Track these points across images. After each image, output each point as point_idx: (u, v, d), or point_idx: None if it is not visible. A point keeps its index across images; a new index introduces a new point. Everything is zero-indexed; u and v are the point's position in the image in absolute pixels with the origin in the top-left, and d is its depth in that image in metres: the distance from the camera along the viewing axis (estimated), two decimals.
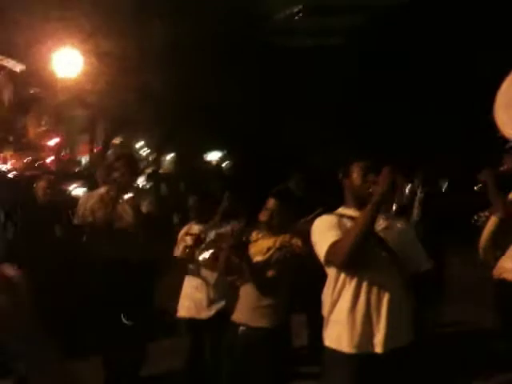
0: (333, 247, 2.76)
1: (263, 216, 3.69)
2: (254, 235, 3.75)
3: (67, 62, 19.88)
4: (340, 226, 2.88)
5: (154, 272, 4.92)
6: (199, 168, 26.26)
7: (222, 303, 4.16)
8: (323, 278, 3.03)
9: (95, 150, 27.29)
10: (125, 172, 4.72)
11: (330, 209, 3.13)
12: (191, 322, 4.25)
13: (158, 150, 31.64)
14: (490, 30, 16.28)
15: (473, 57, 16.49)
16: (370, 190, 2.85)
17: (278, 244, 3.65)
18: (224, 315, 3.98)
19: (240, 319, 3.68)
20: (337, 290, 2.89)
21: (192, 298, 4.23)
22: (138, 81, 19.21)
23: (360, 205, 2.94)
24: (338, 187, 3.09)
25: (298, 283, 4.78)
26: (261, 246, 3.66)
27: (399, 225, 3.03)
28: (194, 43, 18.62)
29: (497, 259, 4.20)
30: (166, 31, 17.96)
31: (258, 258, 3.64)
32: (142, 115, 21.94)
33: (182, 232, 4.45)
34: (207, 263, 3.96)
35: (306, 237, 3.27)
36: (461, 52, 17.02)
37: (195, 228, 4.35)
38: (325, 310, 2.97)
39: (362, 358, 2.82)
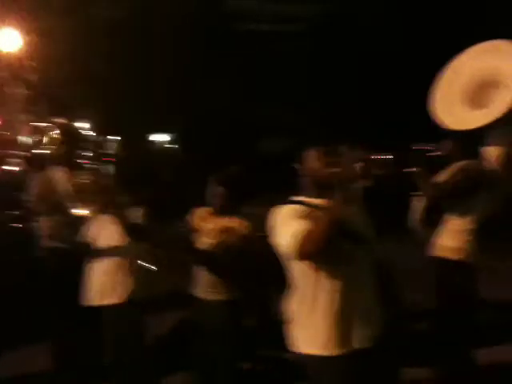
0: (305, 237, 2.47)
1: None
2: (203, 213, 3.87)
3: (8, 39, 19.16)
4: (309, 215, 2.63)
5: None
6: (145, 150, 25.88)
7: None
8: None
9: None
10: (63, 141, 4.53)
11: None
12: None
13: (103, 131, 30.90)
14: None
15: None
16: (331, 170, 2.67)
17: (222, 226, 3.77)
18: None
19: (197, 293, 3.88)
20: (312, 289, 2.67)
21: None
22: (81, 60, 18.74)
23: (321, 191, 2.75)
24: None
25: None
26: (209, 228, 3.78)
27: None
28: (140, 22, 18.23)
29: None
30: (112, 9, 17.52)
31: (205, 240, 3.76)
32: (85, 96, 21.38)
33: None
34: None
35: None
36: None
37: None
38: (298, 315, 2.73)
39: (357, 355, 2.66)
